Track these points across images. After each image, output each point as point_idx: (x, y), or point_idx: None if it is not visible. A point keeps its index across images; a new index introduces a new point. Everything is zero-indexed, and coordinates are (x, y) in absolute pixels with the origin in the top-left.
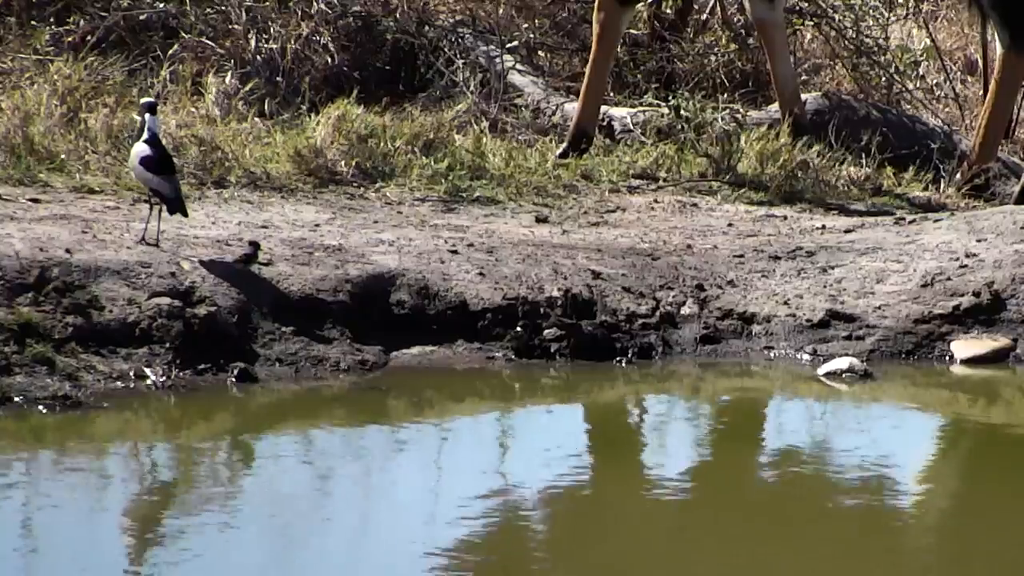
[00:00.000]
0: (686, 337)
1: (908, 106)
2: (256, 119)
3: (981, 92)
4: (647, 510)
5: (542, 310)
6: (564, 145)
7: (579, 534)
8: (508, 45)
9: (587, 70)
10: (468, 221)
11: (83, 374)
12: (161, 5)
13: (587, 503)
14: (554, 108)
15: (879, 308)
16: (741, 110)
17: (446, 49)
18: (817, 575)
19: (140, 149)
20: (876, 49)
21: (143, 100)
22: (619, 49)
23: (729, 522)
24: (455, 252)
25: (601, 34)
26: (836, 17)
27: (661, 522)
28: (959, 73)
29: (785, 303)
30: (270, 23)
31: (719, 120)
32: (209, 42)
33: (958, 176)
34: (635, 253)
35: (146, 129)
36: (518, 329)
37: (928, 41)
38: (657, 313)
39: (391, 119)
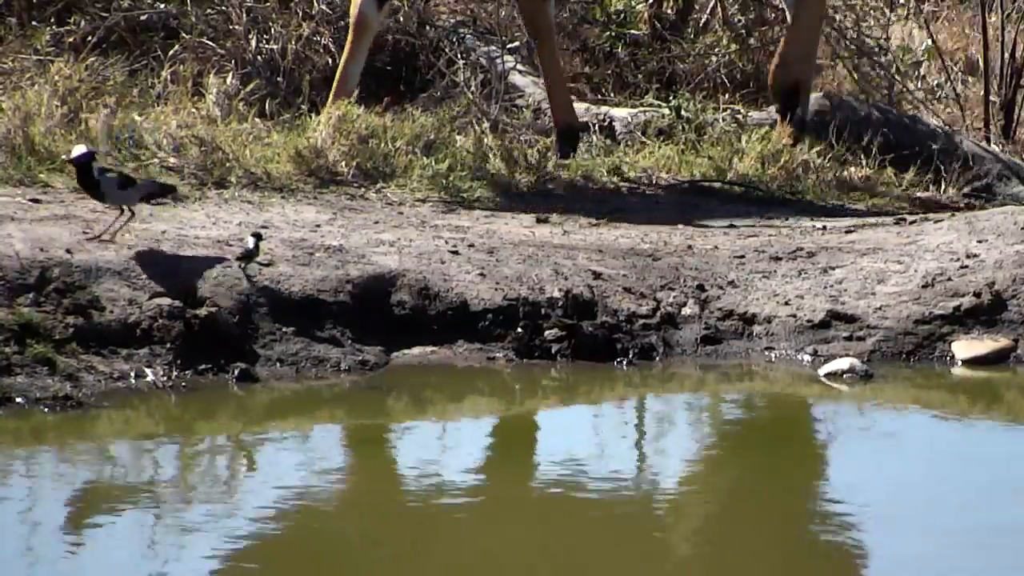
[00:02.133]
0: (687, 338)
1: (909, 106)
2: (257, 119)
3: (982, 93)
4: (625, 511)
5: (543, 310)
6: (556, 145)
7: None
8: (509, 45)
9: (542, 67)
10: (469, 222)
11: (84, 374)
12: (162, 6)
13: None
14: None
15: (880, 309)
16: (742, 111)
17: (447, 50)
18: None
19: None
20: (877, 49)
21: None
22: (620, 50)
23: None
24: (456, 252)
25: (535, 30)
26: (837, 17)
27: (649, 524)
28: (960, 74)
29: (786, 304)
30: (271, 23)
31: (720, 121)
32: (210, 43)
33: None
34: (636, 253)
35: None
36: (519, 330)
37: (929, 42)
38: (658, 314)
39: (392, 119)
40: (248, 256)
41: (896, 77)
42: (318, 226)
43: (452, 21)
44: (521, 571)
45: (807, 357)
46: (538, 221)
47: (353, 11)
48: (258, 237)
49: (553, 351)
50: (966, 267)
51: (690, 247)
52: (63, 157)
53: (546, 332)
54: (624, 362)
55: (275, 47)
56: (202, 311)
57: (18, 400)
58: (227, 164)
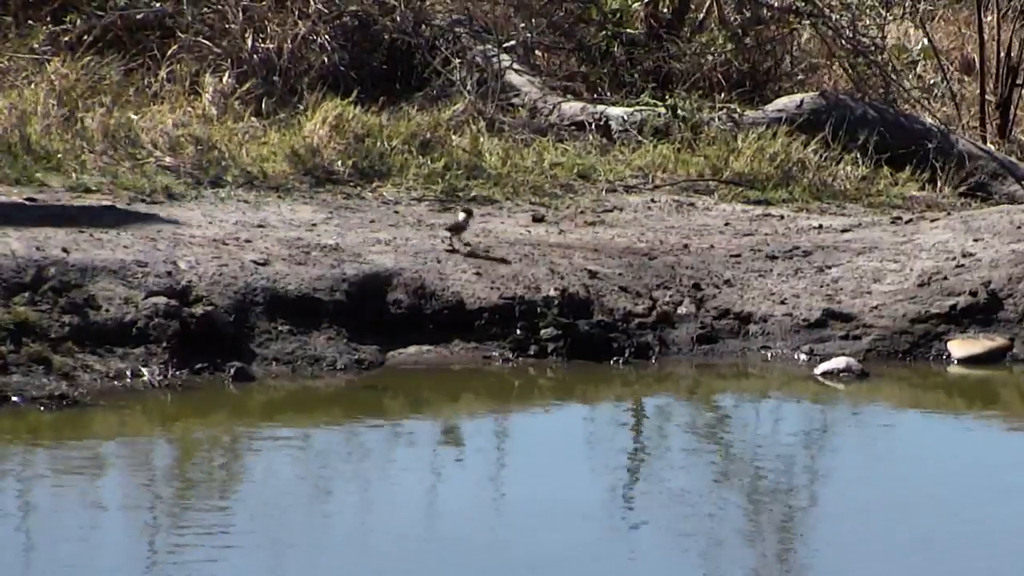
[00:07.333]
0: (683, 336)
1: (905, 105)
2: (253, 118)
3: (978, 92)
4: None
5: (539, 309)
6: None
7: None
8: (505, 44)
9: None
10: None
11: (80, 373)
12: (158, 4)
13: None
14: (551, 107)
15: (876, 308)
16: (738, 109)
17: (443, 48)
18: None
19: None
20: (873, 49)
21: None
22: (616, 49)
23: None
24: (452, 251)
25: None
26: (833, 17)
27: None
28: (956, 73)
29: (782, 303)
30: (267, 22)
31: (716, 120)
32: (206, 41)
33: None
34: (632, 252)
35: None
36: (517, 332)
37: (925, 41)
38: (654, 312)
39: (388, 118)
40: (457, 228)
41: (892, 76)
42: (314, 225)
43: (448, 20)
44: None
45: (803, 356)
46: (534, 220)
47: None
48: (468, 213)
49: (549, 350)
50: (962, 266)
51: (686, 246)
52: None
53: (542, 331)
54: (620, 361)
55: (271, 46)
56: (198, 310)
57: (14, 399)
58: (223, 163)
